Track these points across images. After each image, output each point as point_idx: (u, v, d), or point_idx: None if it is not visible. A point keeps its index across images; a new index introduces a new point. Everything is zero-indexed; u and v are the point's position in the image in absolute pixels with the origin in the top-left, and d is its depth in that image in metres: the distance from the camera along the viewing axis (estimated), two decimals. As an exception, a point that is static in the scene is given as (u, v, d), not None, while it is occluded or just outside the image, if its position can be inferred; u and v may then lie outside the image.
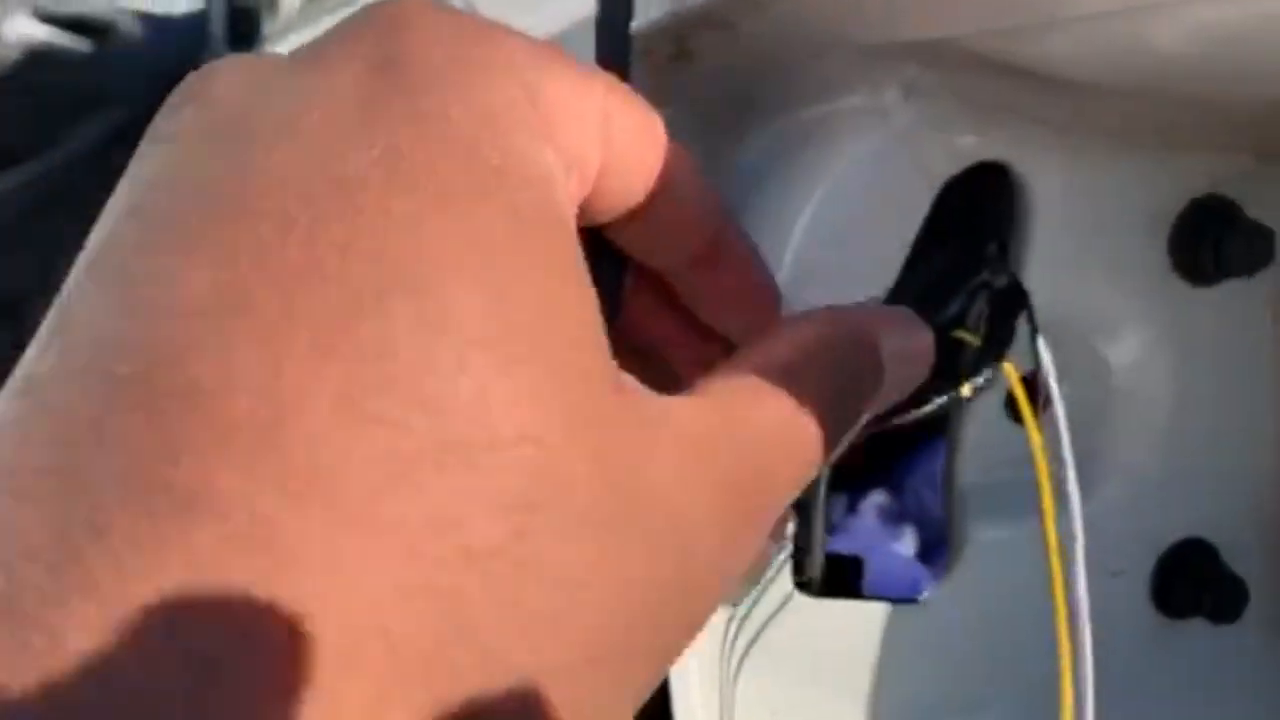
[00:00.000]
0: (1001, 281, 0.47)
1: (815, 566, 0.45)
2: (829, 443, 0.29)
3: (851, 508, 0.58)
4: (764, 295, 0.36)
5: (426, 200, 0.22)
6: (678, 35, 0.46)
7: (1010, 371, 0.46)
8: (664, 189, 0.30)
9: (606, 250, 0.34)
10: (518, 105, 0.24)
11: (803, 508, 0.45)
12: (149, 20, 1.22)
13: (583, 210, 0.28)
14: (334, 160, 0.22)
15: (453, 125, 0.23)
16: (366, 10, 0.25)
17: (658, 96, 0.49)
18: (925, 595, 0.51)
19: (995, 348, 0.44)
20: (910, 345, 0.34)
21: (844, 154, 0.46)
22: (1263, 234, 0.49)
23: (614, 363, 0.25)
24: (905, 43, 0.43)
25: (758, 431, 0.28)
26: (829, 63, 0.45)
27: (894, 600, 0.51)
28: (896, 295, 0.46)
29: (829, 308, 0.34)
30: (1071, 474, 0.44)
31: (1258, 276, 0.50)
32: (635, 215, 0.30)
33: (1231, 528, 0.53)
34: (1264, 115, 0.47)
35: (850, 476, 0.59)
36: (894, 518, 0.56)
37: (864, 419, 0.32)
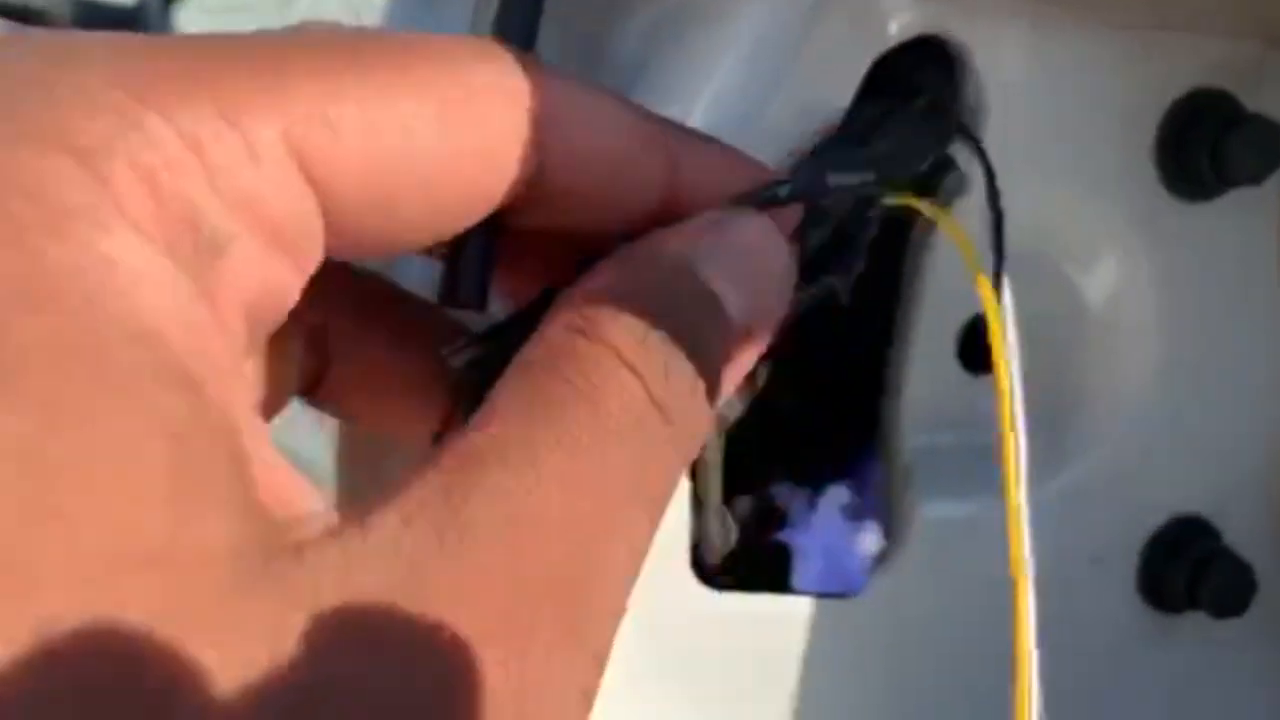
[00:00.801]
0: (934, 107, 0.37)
1: (713, 554, 0.35)
2: (675, 453, 0.22)
3: (811, 504, 0.48)
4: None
5: None
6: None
7: (984, 285, 0.35)
8: (554, 159, 0.23)
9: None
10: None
11: (695, 483, 0.35)
12: (86, 7, 1.14)
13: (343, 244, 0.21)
14: None
15: None
16: None
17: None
18: (862, 589, 0.42)
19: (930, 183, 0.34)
20: (751, 243, 0.26)
21: (744, 28, 0.36)
22: (1272, 130, 0.39)
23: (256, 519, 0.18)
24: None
25: (535, 511, 0.19)
26: (723, -92, 0.35)
27: (826, 595, 0.41)
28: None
29: (621, 254, 0.25)
30: (1021, 430, 0.33)
31: (1265, 185, 0.40)
32: (528, 204, 0.24)
33: (1235, 500, 0.44)
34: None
35: (810, 468, 0.50)
36: (856, 513, 0.46)
37: (727, 378, 0.24)
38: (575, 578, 0.19)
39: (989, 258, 0.32)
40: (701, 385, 0.23)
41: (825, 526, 0.48)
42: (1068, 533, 0.42)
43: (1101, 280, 0.41)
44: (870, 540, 0.50)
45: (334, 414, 0.29)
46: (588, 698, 0.20)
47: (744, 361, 0.25)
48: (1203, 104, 0.40)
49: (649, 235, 0.25)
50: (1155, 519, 0.43)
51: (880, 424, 0.40)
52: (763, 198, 0.27)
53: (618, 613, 0.21)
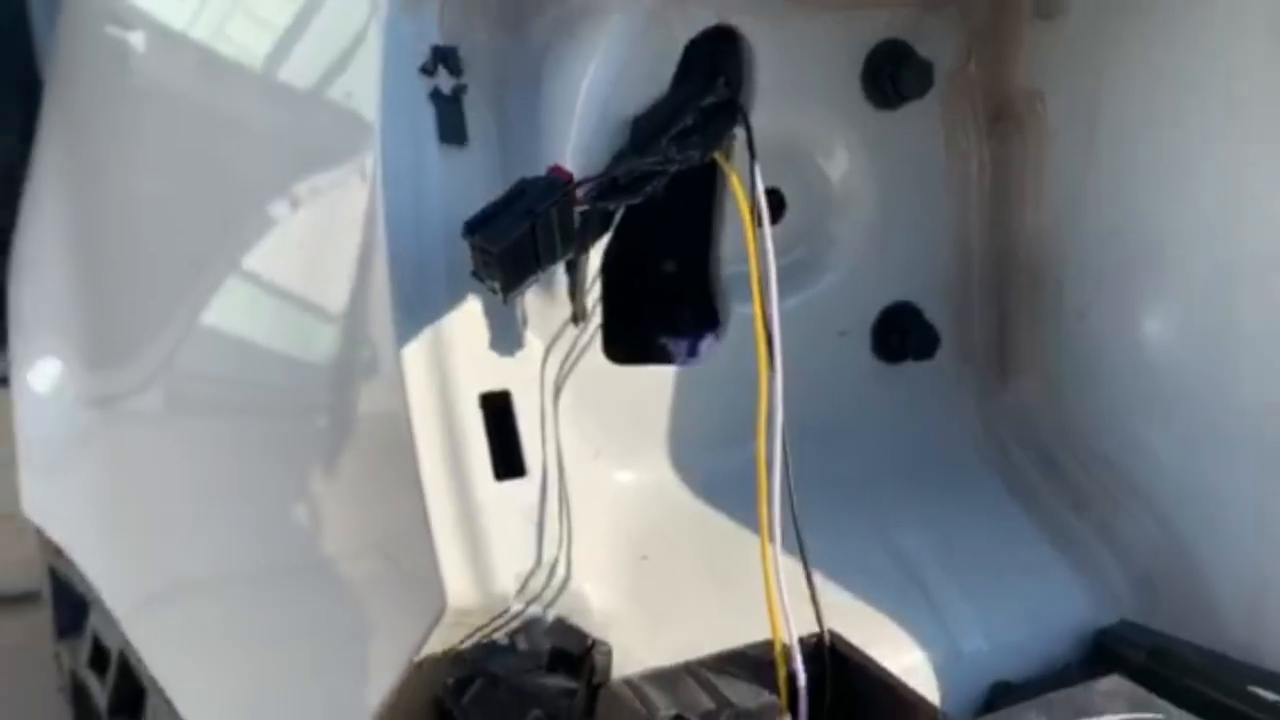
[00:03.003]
0: (723, 96, 0.62)
1: (582, 310, 0.60)
2: None
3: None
4: None
5: None
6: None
7: (738, 187, 0.60)
8: None
9: None
10: None
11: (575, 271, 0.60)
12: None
13: None
14: None
15: None
16: None
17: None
18: (705, 356, 0.68)
19: (711, 138, 0.58)
20: None
21: (609, 30, 0.60)
22: (926, 66, 0.65)
23: None
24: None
25: None
26: (591, -42, 0.59)
27: (675, 362, 0.67)
28: (640, 123, 0.60)
29: None
30: (771, 264, 0.58)
31: (927, 98, 0.66)
32: None
33: (927, 291, 0.71)
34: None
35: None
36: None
37: None
38: None
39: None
40: None
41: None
42: (825, 315, 0.69)
43: (836, 162, 0.68)
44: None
45: None
46: None
47: None
48: (889, 49, 0.66)
49: None
50: (880, 304, 0.70)
51: (708, 266, 0.66)
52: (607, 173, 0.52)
53: None
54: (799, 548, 0.54)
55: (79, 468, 1.29)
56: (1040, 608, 0.66)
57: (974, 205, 0.71)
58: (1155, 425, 0.66)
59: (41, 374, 1.47)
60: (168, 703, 0.99)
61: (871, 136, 0.67)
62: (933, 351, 0.71)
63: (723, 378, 0.67)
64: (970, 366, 0.73)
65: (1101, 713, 0.45)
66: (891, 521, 0.67)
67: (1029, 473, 0.71)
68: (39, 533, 1.50)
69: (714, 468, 0.66)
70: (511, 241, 0.51)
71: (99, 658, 1.31)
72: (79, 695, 1.44)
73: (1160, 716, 0.45)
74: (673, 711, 0.48)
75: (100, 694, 1.28)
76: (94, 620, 1.33)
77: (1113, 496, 0.68)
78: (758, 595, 0.57)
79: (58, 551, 1.39)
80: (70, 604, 1.45)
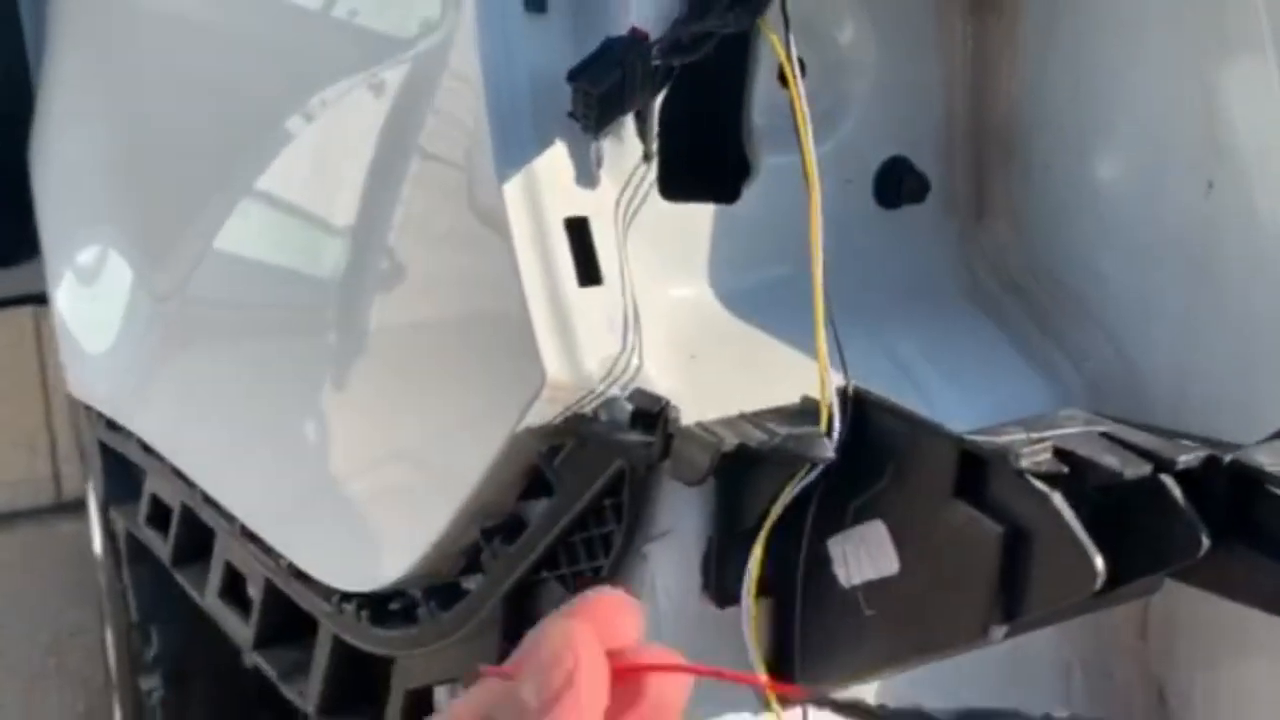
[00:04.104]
0: None
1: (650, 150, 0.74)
2: None
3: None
4: None
5: None
6: None
7: (778, 46, 0.74)
8: None
9: None
10: None
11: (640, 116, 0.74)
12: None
13: None
14: None
15: None
16: None
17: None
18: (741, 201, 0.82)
19: (754, 6, 0.72)
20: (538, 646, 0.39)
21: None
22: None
23: None
24: None
25: None
26: None
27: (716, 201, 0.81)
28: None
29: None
30: (806, 110, 0.72)
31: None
32: None
33: (919, 147, 0.86)
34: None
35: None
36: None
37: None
38: None
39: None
40: None
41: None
42: (835, 166, 0.83)
43: (845, 33, 0.82)
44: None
45: None
46: None
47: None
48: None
49: None
50: (879, 157, 0.85)
51: (741, 123, 0.80)
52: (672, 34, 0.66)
53: None
54: (832, 333, 0.69)
55: (135, 347, 1.39)
56: (1009, 401, 0.82)
57: (958, 73, 0.86)
58: (1102, 249, 0.81)
59: (83, 268, 1.58)
60: (249, 535, 1.13)
61: (872, 10, 0.81)
62: (924, 196, 0.85)
63: (753, 215, 0.81)
64: (953, 212, 0.88)
65: (1063, 426, 0.60)
66: (888, 332, 0.82)
67: (1001, 298, 0.87)
68: (86, 409, 1.63)
69: (745, 286, 0.81)
70: (608, 86, 0.65)
71: (158, 514, 1.44)
72: (135, 554, 1.58)
73: (1108, 427, 0.61)
74: (736, 440, 0.63)
75: (162, 547, 1.42)
76: (150, 484, 1.46)
77: (1068, 313, 0.84)
78: (783, 380, 0.72)
79: (109, 425, 1.52)
80: (121, 473, 1.59)
